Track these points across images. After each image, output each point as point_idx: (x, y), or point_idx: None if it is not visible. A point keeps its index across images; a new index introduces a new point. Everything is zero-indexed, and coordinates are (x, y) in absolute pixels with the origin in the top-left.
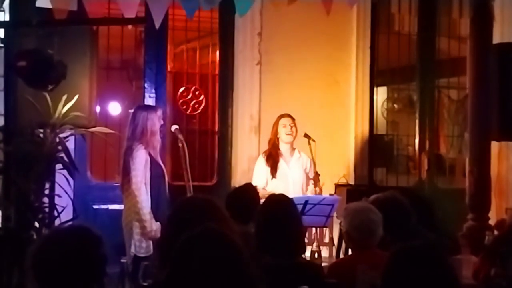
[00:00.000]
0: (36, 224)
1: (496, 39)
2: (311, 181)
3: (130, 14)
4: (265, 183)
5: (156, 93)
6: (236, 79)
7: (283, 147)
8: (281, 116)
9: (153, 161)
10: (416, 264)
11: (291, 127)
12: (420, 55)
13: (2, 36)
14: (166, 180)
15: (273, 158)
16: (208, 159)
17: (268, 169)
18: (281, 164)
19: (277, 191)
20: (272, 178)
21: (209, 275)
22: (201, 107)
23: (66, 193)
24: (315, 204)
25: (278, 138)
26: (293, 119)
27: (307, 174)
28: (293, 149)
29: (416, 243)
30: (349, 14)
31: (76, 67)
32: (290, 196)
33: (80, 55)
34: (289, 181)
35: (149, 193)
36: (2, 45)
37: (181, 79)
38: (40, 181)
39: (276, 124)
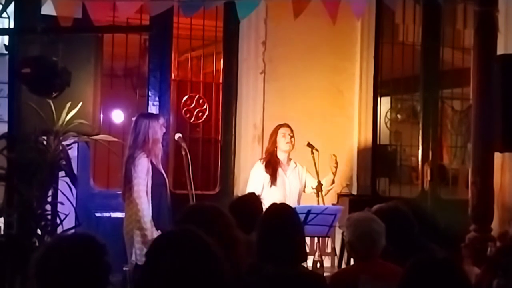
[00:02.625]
0: (39, 232)
1: (500, 50)
2: (314, 190)
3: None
4: (261, 190)
5: (159, 101)
6: (240, 88)
7: (281, 156)
8: (280, 125)
9: (154, 170)
10: (434, 277)
11: (290, 136)
12: (424, 66)
13: (7, 43)
14: (167, 189)
15: (272, 165)
16: (211, 167)
17: (267, 176)
18: (279, 172)
19: (274, 198)
20: (270, 186)
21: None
22: (205, 116)
23: (69, 200)
24: (317, 214)
25: (276, 148)
26: (291, 129)
27: (304, 184)
28: (290, 159)
29: (433, 255)
30: (354, 24)
31: (80, 75)
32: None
33: (85, 62)
34: (287, 189)
35: (150, 202)
36: (7, 52)
37: (185, 87)
38: (43, 188)
39: (275, 133)
